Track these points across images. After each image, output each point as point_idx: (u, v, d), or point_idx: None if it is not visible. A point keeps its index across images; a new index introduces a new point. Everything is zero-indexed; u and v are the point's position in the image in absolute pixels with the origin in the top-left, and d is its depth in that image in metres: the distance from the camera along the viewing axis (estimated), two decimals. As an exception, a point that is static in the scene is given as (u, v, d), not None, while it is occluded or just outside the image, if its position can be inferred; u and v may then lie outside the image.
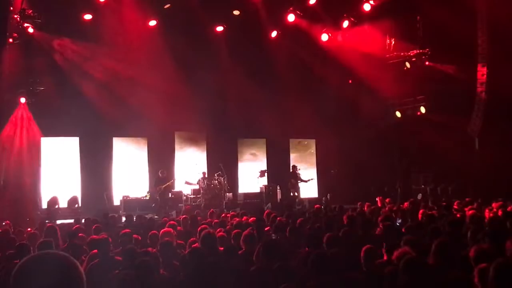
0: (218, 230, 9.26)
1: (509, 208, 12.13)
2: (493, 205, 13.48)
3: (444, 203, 14.45)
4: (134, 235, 9.04)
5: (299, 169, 21.59)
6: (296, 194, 20.82)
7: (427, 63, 20.91)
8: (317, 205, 15.04)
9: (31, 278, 2.08)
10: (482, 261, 5.31)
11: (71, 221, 13.71)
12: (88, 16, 17.99)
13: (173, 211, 17.80)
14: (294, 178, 21.07)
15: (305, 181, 21.36)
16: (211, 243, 7.19)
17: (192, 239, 8.28)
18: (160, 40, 19.23)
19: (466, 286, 4.87)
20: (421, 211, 11.56)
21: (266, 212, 12.70)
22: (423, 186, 20.97)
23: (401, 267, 5.29)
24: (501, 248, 6.25)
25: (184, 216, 12.60)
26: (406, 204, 14.74)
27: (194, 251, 6.35)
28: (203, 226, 9.34)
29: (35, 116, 18.32)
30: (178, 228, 10.20)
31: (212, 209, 14.86)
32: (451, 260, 5.92)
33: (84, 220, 12.67)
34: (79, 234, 9.95)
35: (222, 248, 7.17)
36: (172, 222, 10.87)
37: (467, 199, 14.87)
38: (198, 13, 19.04)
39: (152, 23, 19.01)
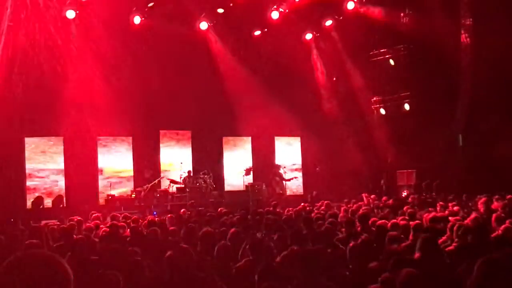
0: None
1: (493, 206, 12.23)
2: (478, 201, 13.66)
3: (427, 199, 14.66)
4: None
5: (284, 167, 21.72)
6: (281, 192, 20.95)
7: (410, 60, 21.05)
8: (303, 203, 15.12)
9: (17, 278, 2.05)
10: (465, 256, 5.38)
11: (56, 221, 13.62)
12: (71, 14, 17.81)
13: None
14: (278, 176, 21.22)
15: (288, 180, 21.53)
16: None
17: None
18: (144, 37, 19.19)
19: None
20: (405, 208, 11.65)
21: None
22: (407, 182, 21.09)
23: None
24: (484, 244, 6.33)
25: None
26: (391, 201, 14.83)
27: (180, 249, 6.33)
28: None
29: (19, 115, 18.18)
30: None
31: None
32: (436, 255, 5.98)
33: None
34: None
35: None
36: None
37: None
38: (182, 11, 19.01)
39: (137, 20, 18.91)
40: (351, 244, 6.56)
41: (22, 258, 2.13)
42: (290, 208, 13.95)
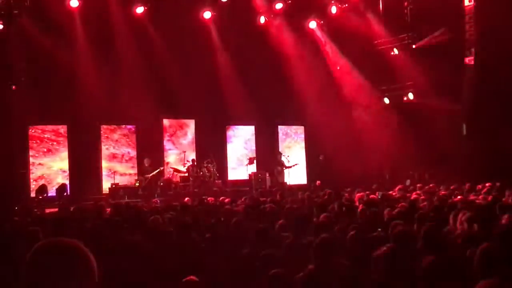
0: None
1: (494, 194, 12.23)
2: (478, 187, 13.74)
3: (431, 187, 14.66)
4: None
5: (288, 156, 21.68)
6: (284, 181, 20.97)
7: (414, 46, 20.91)
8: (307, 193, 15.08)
9: (44, 265, 2.07)
10: (471, 245, 5.38)
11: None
12: (74, 3, 17.80)
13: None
14: (279, 165, 21.18)
15: (290, 167, 21.47)
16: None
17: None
18: (147, 26, 19.14)
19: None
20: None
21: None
22: (411, 172, 21.02)
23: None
24: (488, 232, 6.33)
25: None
26: (395, 190, 14.84)
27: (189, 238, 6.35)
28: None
29: (22, 104, 18.19)
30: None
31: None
32: (439, 245, 5.98)
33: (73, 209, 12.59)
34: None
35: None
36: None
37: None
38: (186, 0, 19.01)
39: (140, 9, 18.89)
40: (350, 233, 6.57)
41: (48, 245, 2.14)
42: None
